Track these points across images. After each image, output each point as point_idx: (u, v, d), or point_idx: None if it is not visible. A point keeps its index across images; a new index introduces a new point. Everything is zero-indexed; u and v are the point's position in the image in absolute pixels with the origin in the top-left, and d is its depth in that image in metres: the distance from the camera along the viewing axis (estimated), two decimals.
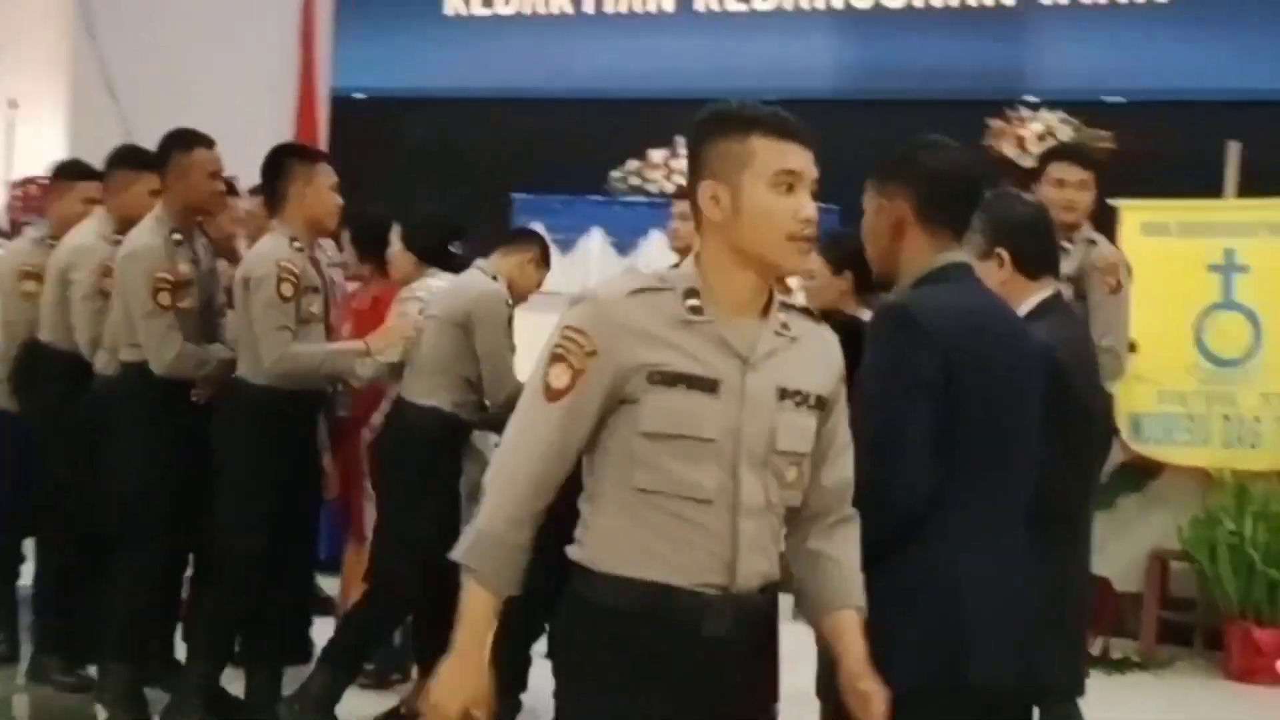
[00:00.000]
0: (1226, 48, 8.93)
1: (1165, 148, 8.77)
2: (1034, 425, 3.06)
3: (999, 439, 2.94)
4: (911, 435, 2.84)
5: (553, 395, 2.56)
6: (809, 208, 2.61)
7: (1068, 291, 5.15)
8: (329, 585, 6.28)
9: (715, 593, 2.56)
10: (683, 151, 9.32)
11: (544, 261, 5.68)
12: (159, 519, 5.20)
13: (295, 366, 5.04)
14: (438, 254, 5.64)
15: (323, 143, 10.66)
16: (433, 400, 5.13)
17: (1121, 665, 6.52)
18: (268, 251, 5.07)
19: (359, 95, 10.86)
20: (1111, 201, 6.67)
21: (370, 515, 5.61)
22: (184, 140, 5.30)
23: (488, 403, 5.20)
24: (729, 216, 2.57)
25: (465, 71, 10.65)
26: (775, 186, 2.57)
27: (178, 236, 5.22)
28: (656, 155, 9.58)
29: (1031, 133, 8.99)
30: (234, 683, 5.32)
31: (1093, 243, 5.60)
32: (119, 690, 5.18)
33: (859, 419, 2.80)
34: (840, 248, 4.50)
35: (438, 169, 9.82)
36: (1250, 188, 7.34)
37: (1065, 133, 9.07)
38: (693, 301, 2.58)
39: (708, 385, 2.55)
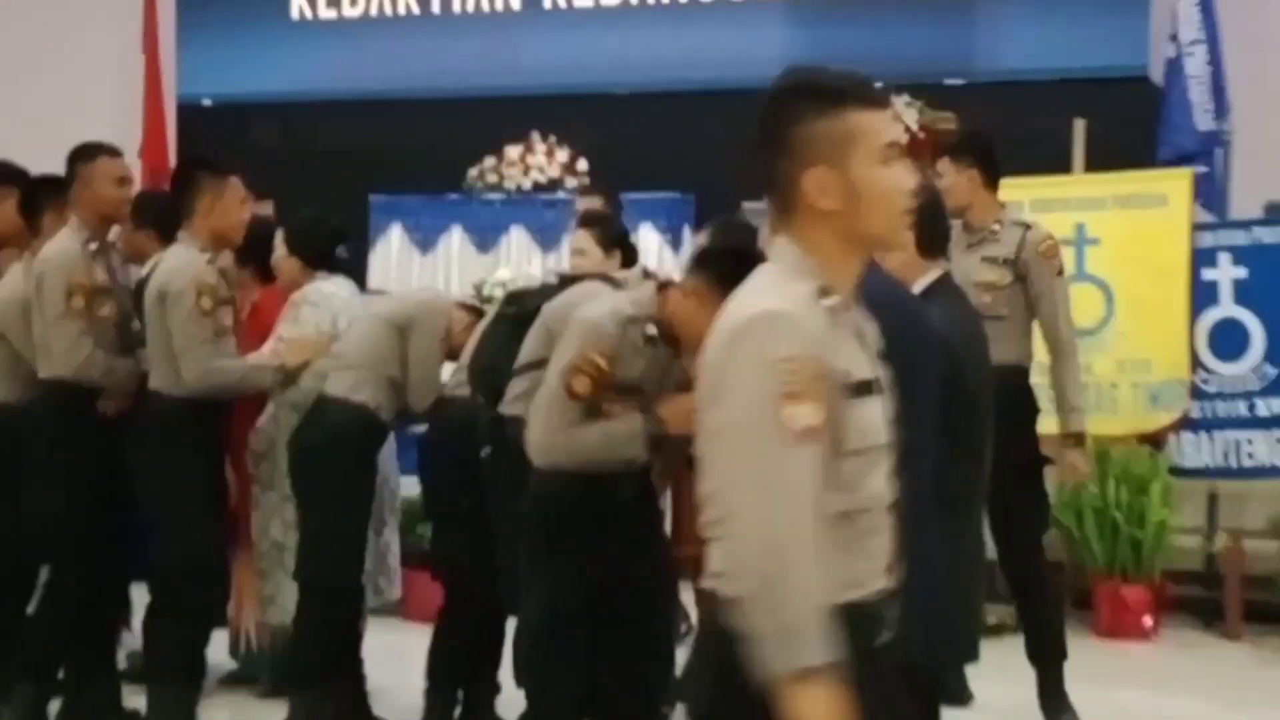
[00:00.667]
0: (1062, 28, 9.22)
1: (1010, 127, 9.04)
2: (933, 406, 3.15)
3: (897, 421, 3.02)
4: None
5: (803, 436, 2.16)
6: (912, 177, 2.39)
7: (1008, 275, 5.37)
8: None
9: (882, 598, 2.40)
10: (540, 147, 9.46)
11: None
12: (78, 541, 5.13)
13: (217, 380, 5.01)
14: (324, 257, 5.61)
15: (171, 151, 10.51)
16: (360, 396, 5.11)
17: (997, 630, 6.69)
18: (183, 265, 5.02)
19: (206, 102, 10.74)
20: None
21: (257, 523, 5.59)
22: (86, 151, 5.26)
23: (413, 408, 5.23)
24: (845, 203, 2.28)
25: (314, 74, 10.61)
26: (885, 162, 2.30)
27: (94, 246, 5.18)
28: (513, 152, 9.62)
29: None
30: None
31: (1027, 226, 5.58)
32: (20, 713, 5.10)
33: None
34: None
35: (291, 174, 9.73)
36: (1097, 163, 7.60)
37: (911, 116, 9.29)
38: (831, 300, 2.29)
39: (876, 386, 2.37)
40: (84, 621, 5.24)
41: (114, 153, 5.28)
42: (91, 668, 5.30)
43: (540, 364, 4.31)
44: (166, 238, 5.27)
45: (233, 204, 5.14)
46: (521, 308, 4.78)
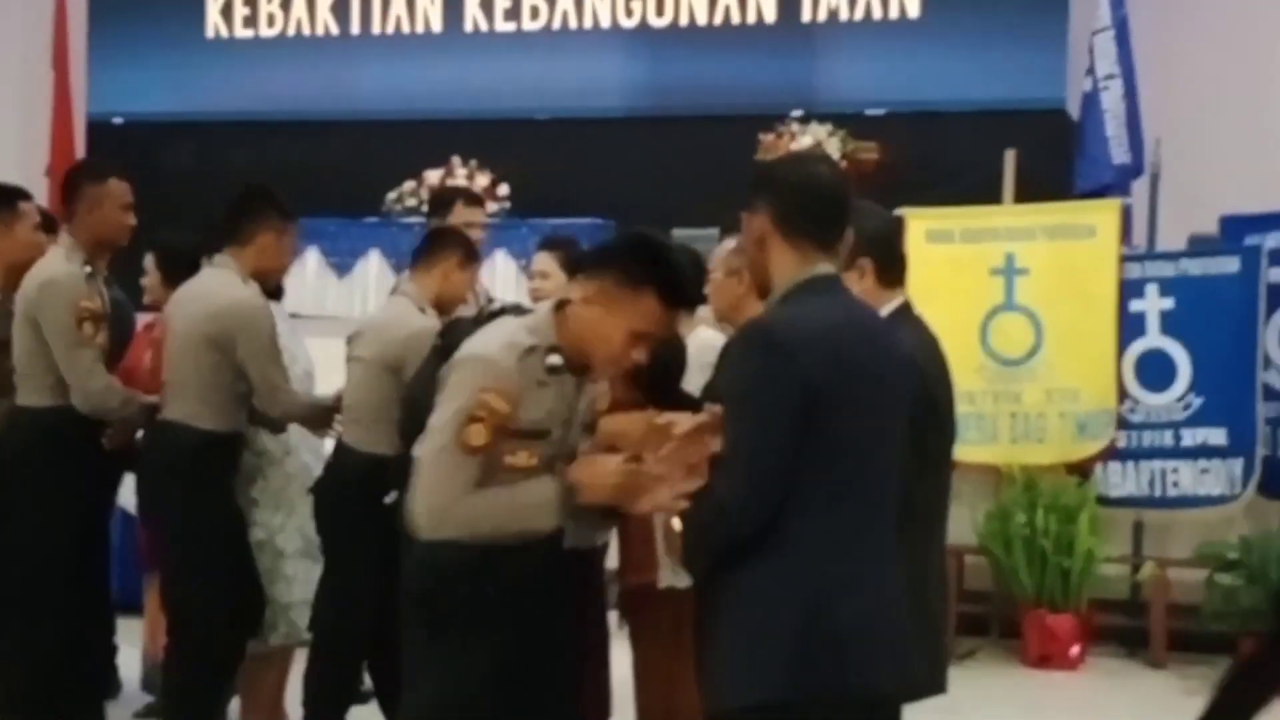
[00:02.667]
0: (982, 61, 9.31)
1: (931, 158, 9.12)
2: (902, 434, 3.12)
3: (863, 450, 2.96)
4: (757, 452, 2.85)
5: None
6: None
7: None
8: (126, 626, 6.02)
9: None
10: (460, 171, 9.38)
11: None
12: (66, 573, 4.95)
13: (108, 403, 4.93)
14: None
15: None
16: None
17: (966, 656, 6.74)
18: (62, 278, 4.91)
19: (117, 120, 10.54)
20: (897, 211, 6.87)
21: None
22: (97, 171, 5.07)
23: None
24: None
25: (229, 94, 10.44)
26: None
27: (89, 269, 4.97)
28: (433, 176, 9.52)
29: (801, 145, 9.21)
30: None
31: None
32: None
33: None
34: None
35: (205, 195, 9.48)
36: (1016, 194, 7.67)
37: (833, 145, 9.35)
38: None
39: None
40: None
41: (122, 174, 5.09)
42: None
43: None
44: None
45: (113, 207, 4.99)
46: (451, 340, 4.03)
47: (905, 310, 3.76)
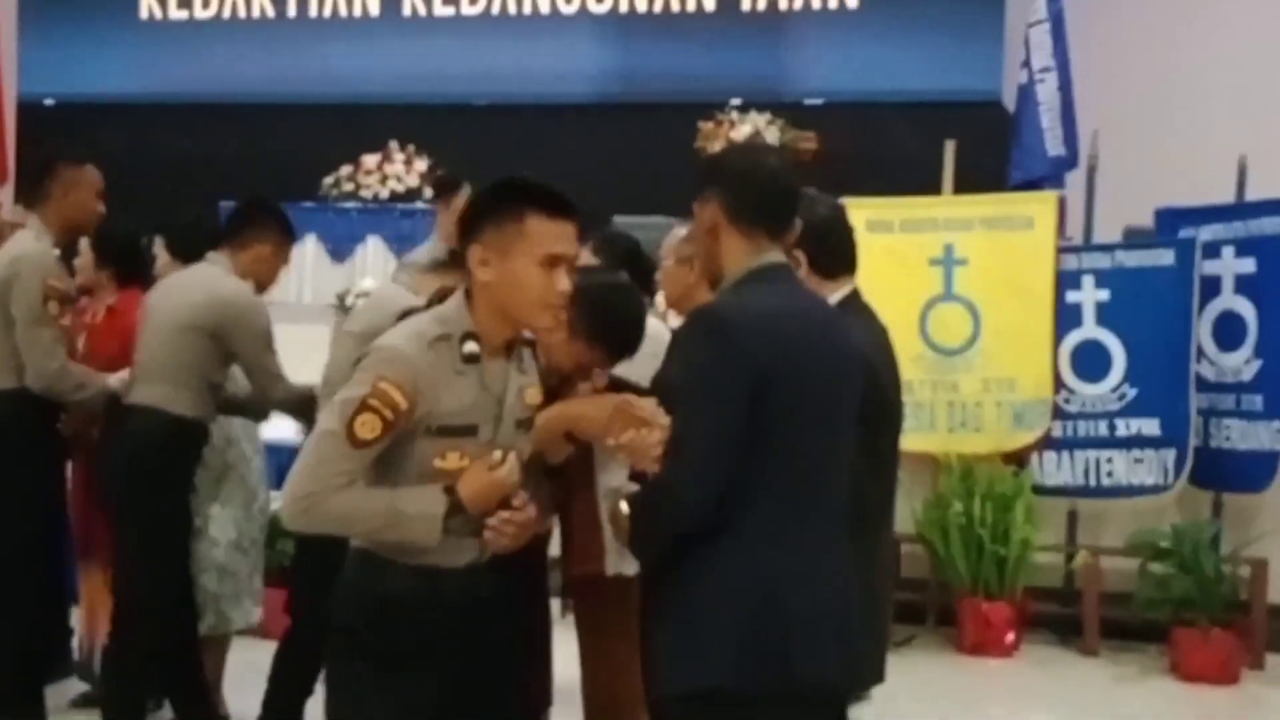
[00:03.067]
0: (921, 52, 9.36)
1: (868, 147, 9.17)
2: (849, 425, 3.12)
3: (811, 440, 2.97)
4: (706, 438, 2.85)
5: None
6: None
7: None
8: None
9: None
10: (398, 156, 9.33)
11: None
12: (31, 561, 4.94)
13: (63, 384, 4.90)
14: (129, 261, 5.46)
15: (10, 151, 10.19)
16: None
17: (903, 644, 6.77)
18: (33, 257, 4.87)
19: (49, 101, 10.41)
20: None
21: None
22: (74, 155, 5.03)
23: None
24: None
25: (164, 77, 10.35)
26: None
27: (56, 252, 4.95)
28: (370, 160, 9.47)
29: (740, 134, 9.24)
30: None
31: None
32: None
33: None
34: (614, 247, 4.49)
35: (138, 178, 9.41)
36: (961, 184, 7.72)
37: (772, 134, 9.37)
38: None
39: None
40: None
41: (95, 162, 5.07)
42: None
43: None
44: None
45: (89, 193, 4.98)
46: (367, 324, 3.92)
47: (854, 299, 3.76)
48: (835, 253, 3.71)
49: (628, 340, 3.57)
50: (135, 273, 5.56)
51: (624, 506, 2.97)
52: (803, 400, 2.93)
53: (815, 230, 3.45)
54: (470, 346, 2.97)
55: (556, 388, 3.53)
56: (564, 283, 2.93)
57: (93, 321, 5.65)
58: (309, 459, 2.96)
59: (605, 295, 3.56)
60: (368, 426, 2.91)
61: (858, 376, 3.15)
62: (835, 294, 3.67)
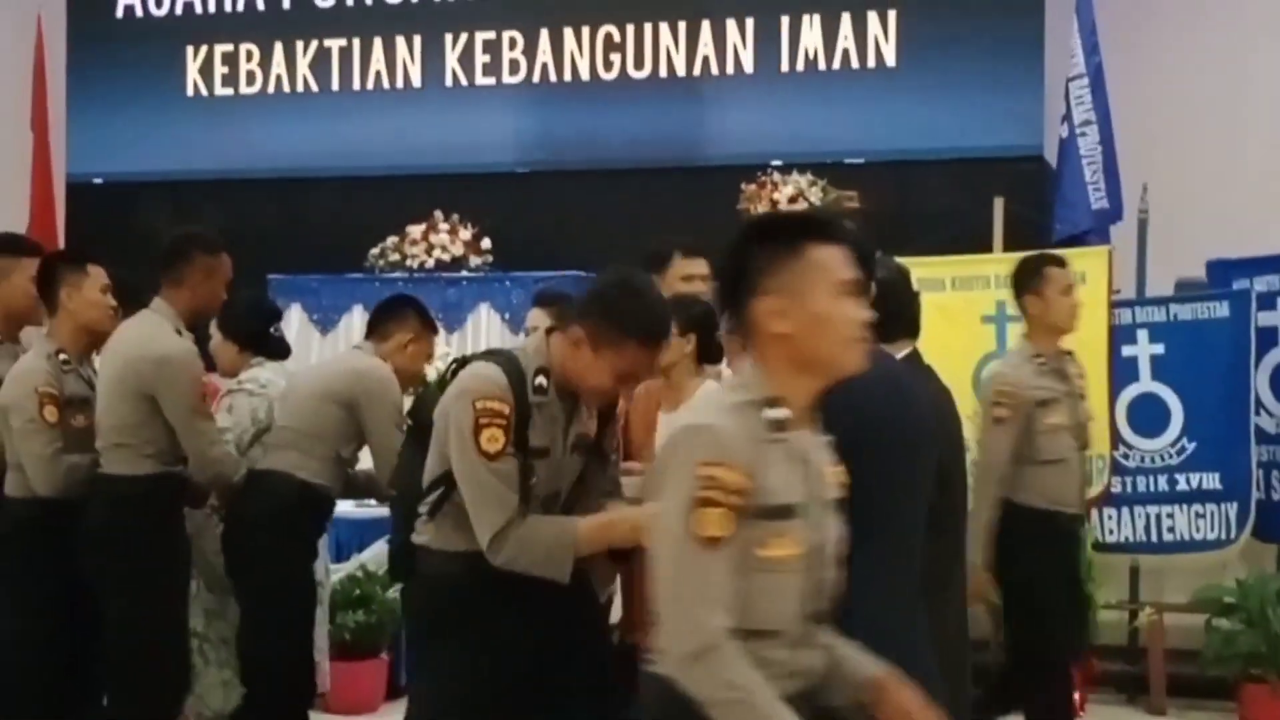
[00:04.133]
0: (959, 109, 9.37)
1: (911, 205, 9.18)
2: (927, 485, 3.13)
3: (895, 499, 2.99)
4: None
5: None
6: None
7: None
8: None
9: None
10: (443, 226, 9.36)
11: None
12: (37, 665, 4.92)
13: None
14: (260, 338, 5.48)
15: (60, 231, 10.29)
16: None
17: None
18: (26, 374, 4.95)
19: (97, 180, 10.51)
20: None
21: None
22: (75, 257, 5.10)
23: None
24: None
25: (210, 153, 10.43)
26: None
27: (64, 358, 4.96)
28: (415, 230, 9.51)
29: (783, 195, 9.25)
30: None
31: None
32: None
33: None
34: (687, 311, 4.48)
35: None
36: (1011, 241, 7.72)
37: (814, 194, 9.38)
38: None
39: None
40: None
41: (95, 259, 5.10)
42: None
43: (449, 477, 3.52)
44: None
45: (93, 293, 4.99)
46: (418, 419, 3.93)
47: (913, 360, 3.78)
48: (896, 315, 3.72)
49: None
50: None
51: None
52: (886, 461, 2.94)
53: (878, 293, 3.45)
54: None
55: (603, 414, 3.70)
56: (865, 311, 2.64)
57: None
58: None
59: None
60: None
61: (932, 434, 3.17)
62: (899, 353, 3.68)
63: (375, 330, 5.14)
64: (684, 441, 2.48)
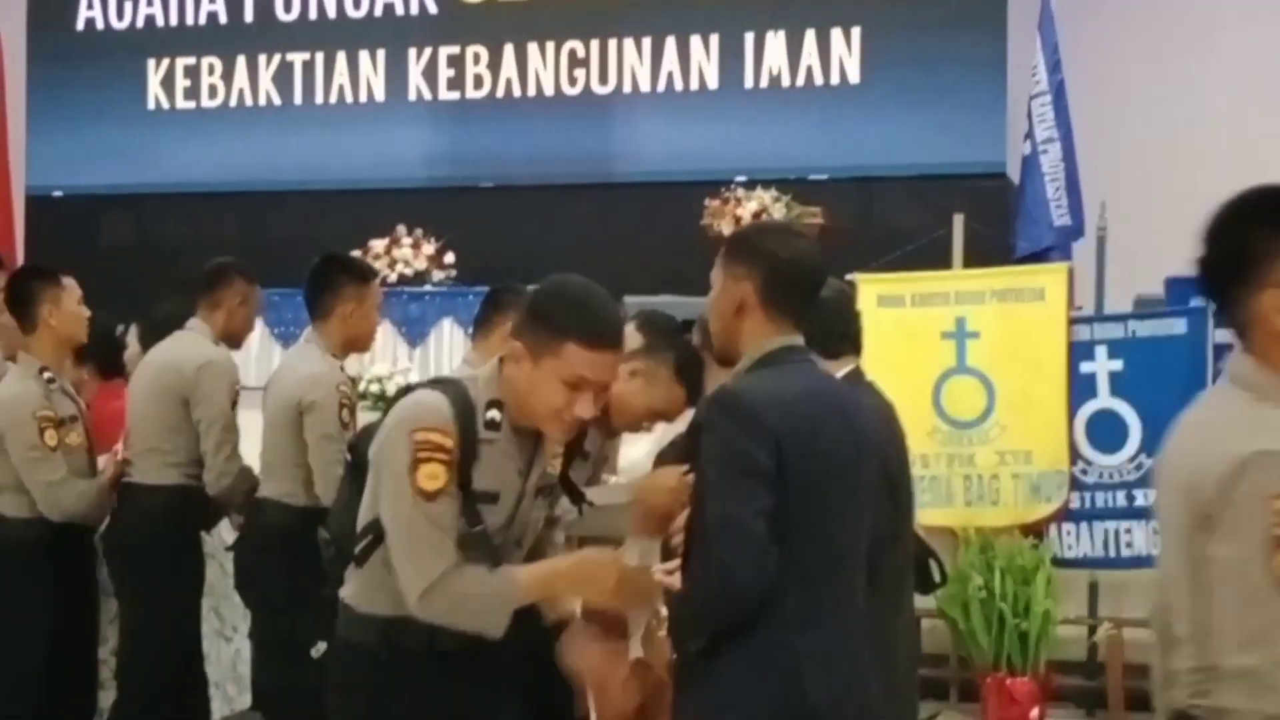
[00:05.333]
0: (923, 126, 9.40)
1: (874, 222, 9.21)
2: (869, 505, 3.12)
3: (830, 521, 2.98)
4: (751, 519, 2.84)
5: None
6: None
7: None
8: None
9: None
10: (406, 240, 9.34)
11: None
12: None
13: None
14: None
15: (19, 244, 10.23)
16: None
17: None
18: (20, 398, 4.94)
19: (57, 193, 10.46)
20: (849, 276, 6.91)
21: None
22: (50, 275, 5.08)
23: None
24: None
25: (171, 166, 10.39)
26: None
27: (49, 375, 4.98)
28: (378, 245, 9.48)
29: (747, 211, 9.25)
30: None
31: None
32: None
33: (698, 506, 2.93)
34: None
35: (146, 268, 9.50)
36: (966, 256, 7.74)
37: (778, 210, 9.39)
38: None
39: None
40: None
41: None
42: None
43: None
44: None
45: (72, 305, 5.03)
46: (359, 454, 3.46)
47: (856, 376, 3.80)
48: (837, 333, 3.77)
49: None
50: (115, 365, 5.59)
51: (663, 610, 2.96)
52: (818, 481, 2.94)
53: (818, 311, 3.43)
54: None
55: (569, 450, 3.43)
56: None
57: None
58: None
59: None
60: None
61: (875, 456, 3.17)
62: (838, 372, 3.69)
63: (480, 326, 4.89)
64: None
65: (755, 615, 2.86)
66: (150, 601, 4.93)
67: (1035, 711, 6.82)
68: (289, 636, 4.82)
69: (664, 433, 4.16)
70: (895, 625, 3.72)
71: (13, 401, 4.88)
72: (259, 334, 9.38)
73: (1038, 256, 8.21)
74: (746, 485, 2.86)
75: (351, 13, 10.32)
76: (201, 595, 5.25)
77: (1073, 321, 7.14)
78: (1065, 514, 7.04)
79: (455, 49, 10.12)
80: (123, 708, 5.03)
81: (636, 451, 4.26)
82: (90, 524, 5.06)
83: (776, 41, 9.76)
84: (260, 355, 9.38)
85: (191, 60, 10.49)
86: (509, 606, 3.01)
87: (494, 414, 3.04)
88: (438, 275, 9.43)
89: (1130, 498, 6.97)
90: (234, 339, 5.25)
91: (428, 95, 10.18)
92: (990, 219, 8.36)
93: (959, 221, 7.63)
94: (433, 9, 10.22)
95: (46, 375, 4.94)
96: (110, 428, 5.34)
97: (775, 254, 3.10)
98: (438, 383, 3.16)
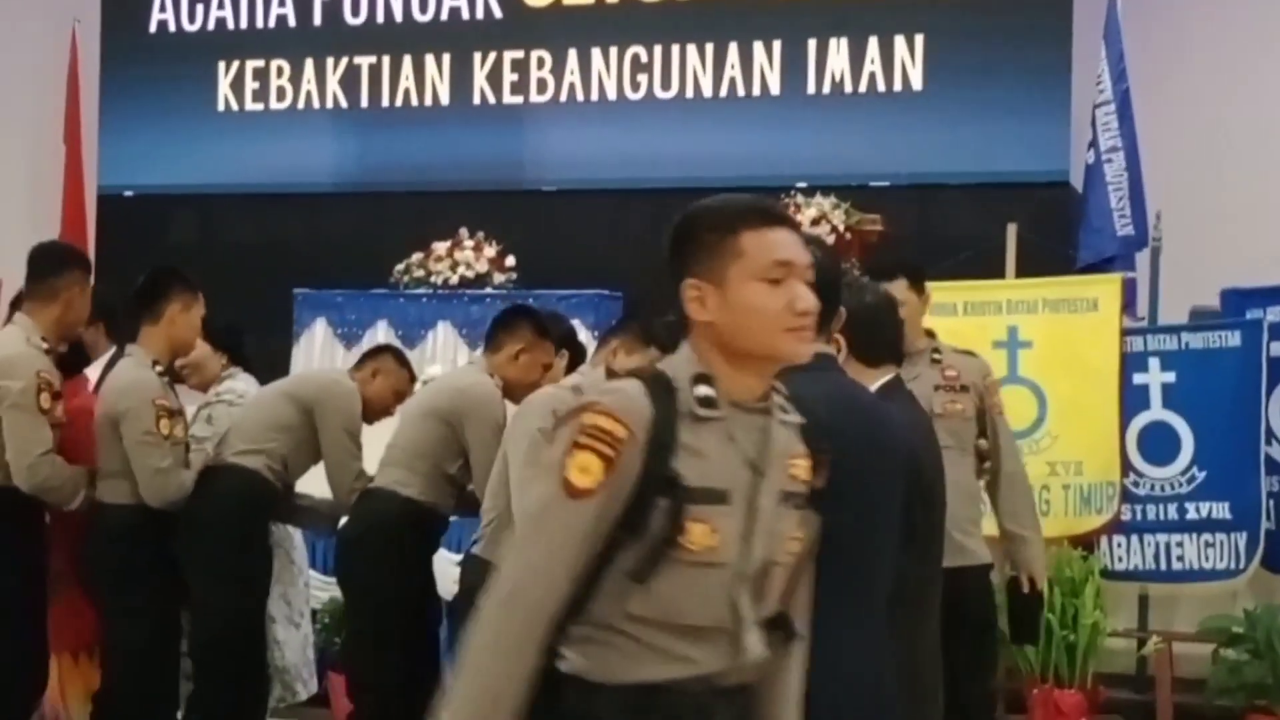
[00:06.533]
0: (986, 134, 9.37)
1: (933, 230, 9.19)
2: (894, 514, 3.14)
3: (856, 528, 3.00)
4: None
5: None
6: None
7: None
8: None
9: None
10: (468, 243, 9.43)
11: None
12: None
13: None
14: (241, 350, 5.65)
15: (91, 241, 10.41)
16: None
17: None
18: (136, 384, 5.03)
19: (127, 193, 10.64)
20: None
21: None
22: (189, 281, 5.23)
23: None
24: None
25: (239, 167, 10.54)
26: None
27: (160, 369, 5.12)
28: (440, 247, 9.56)
29: (806, 217, 9.25)
30: None
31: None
32: None
33: None
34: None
35: (213, 267, 9.62)
36: (1020, 266, 7.72)
37: (838, 217, 9.39)
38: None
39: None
40: None
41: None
42: None
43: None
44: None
45: (197, 317, 5.22)
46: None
47: (895, 385, 3.80)
48: (878, 341, 3.74)
49: None
50: (78, 361, 5.68)
51: None
52: (844, 487, 2.95)
53: (859, 318, 3.48)
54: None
55: None
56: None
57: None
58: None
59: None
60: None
61: (900, 465, 3.18)
62: (876, 381, 3.70)
63: (489, 343, 5.25)
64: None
65: None
66: (225, 581, 5.05)
67: None
68: (381, 627, 4.94)
69: None
70: (921, 637, 3.73)
71: (135, 386, 5.00)
72: (322, 333, 9.52)
73: (1100, 266, 8.17)
74: None
75: (418, 16, 10.42)
76: (270, 579, 5.36)
77: (1125, 333, 7.12)
78: (1116, 526, 7.01)
79: (519, 53, 10.19)
80: (199, 693, 5.15)
81: None
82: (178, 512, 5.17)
83: (839, 48, 9.75)
84: (323, 355, 9.50)
85: (260, 63, 10.63)
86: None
87: (704, 390, 2.40)
88: (499, 278, 9.49)
89: (1182, 510, 6.94)
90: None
91: (492, 99, 10.26)
92: (1052, 228, 8.34)
93: (1012, 230, 7.61)
94: (497, 13, 10.30)
95: (158, 369, 5.07)
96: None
97: None
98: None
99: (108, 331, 5.77)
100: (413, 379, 5.65)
